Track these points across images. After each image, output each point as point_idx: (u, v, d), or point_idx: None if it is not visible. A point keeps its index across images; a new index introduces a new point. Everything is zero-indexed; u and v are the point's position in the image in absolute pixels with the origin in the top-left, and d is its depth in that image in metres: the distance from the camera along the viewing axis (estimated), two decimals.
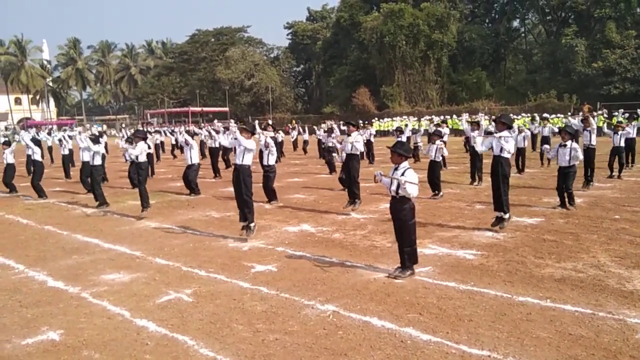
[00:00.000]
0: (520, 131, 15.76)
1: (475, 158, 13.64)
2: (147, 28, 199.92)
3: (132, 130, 25.42)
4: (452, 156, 21.12)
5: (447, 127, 24.69)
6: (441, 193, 12.05)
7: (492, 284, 5.98)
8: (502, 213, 8.43)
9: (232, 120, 20.68)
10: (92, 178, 12.36)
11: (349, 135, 10.46)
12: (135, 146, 10.80)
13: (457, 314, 5.13)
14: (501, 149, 8.31)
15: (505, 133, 8.38)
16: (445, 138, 17.22)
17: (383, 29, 50.46)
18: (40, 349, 4.73)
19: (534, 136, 21.62)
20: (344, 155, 10.59)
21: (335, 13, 64.85)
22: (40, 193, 13.86)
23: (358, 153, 10.50)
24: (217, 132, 18.47)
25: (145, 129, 21.55)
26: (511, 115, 38.41)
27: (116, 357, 4.48)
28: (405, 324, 4.95)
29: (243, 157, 8.43)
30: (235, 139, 8.60)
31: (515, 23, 57.57)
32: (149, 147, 12.78)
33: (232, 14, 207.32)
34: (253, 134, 8.85)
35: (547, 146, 12.58)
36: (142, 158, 10.80)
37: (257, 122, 14.34)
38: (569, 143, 10.03)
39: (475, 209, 10.58)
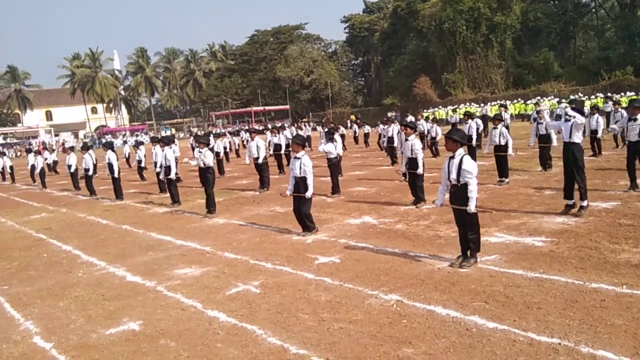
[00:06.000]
0: (592, 113, 14.97)
1: (544, 144, 13.11)
2: (208, 32, 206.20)
3: (197, 131, 26.38)
4: (521, 141, 20.34)
5: (506, 112, 23.34)
6: (507, 180, 11.69)
7: (562, 270, 5.77)
8: (580, 201, 8.07)
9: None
10: (168, 179, 12.93)
11: (407, 139, 10.27)
12: (205, 156, 11.11)
13: (525, 302, 4.99)
14: (570, 134, 7.96)
15: (578, 115, 8.01)
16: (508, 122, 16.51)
17: (442, 16, 49.29)
18: (122, 338, 5.08)
19: (608, 116, 20.42)
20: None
21: (392, 3, 64.01)
22: (119, 194, 14.75)
23: (418, 156, 10.12)
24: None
25: (209, 132, 22.22)
26: (582, 97, 36.31)
27: (190, 346, 4.74)
28: (471, 312, 4.88)
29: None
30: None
31: None
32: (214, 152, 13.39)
33: (289, 12, 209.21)
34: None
35: (614, 126, 11.79)
36: (209, 163, 11.20)
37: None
38: (639, 117, 9.41)
39: (544, 194, 10.17)
